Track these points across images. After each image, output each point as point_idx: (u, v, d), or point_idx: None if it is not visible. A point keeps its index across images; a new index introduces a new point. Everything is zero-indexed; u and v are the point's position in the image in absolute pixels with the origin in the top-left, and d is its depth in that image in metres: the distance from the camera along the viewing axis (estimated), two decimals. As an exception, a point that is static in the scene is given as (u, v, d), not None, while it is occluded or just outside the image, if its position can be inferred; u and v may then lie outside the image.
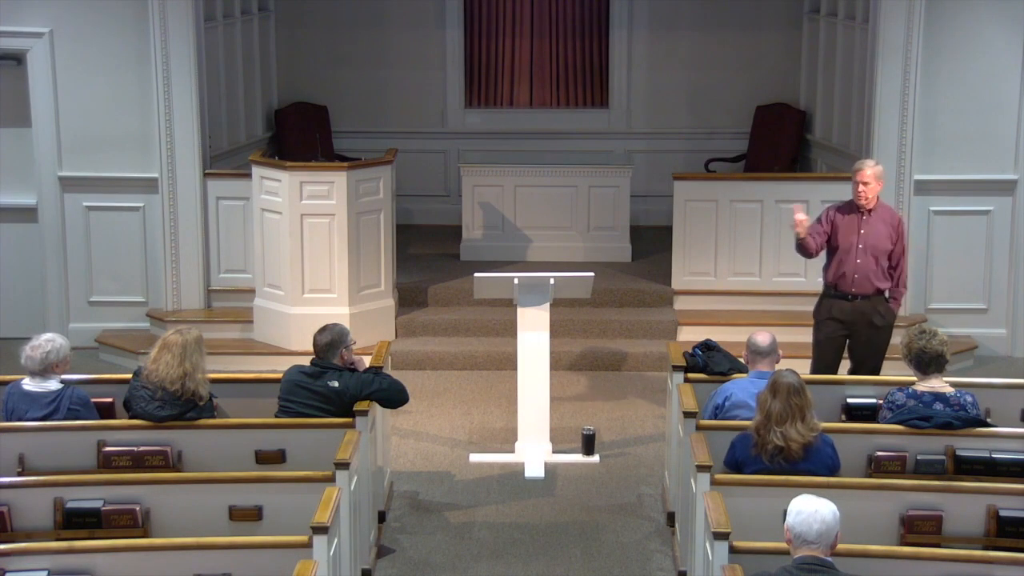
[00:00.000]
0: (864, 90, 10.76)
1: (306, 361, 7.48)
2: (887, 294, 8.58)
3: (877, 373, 8.50)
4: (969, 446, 6.76)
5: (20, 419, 6.97)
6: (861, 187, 8.44)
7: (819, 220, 8.62)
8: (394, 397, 7.50)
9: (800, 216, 8.43)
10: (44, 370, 7.04)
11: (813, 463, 6.33)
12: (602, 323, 10.64)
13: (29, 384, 7.05)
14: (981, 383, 7.58)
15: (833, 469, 6.42)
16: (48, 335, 7.17)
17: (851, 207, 8.54)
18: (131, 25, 10.37)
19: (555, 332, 9.04)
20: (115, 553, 5.73)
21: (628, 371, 10.32)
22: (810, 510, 5.18)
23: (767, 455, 6.31)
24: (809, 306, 10.69)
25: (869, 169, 8.47)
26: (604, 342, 10.52)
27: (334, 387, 7.26)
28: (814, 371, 8.59)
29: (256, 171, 10.36)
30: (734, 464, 6.51)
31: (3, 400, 7.09)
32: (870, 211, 8.48)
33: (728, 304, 10.79)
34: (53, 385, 7.05)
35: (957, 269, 10.69)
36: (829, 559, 5.15)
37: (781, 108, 12.50)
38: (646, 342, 10.51)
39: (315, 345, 7.44)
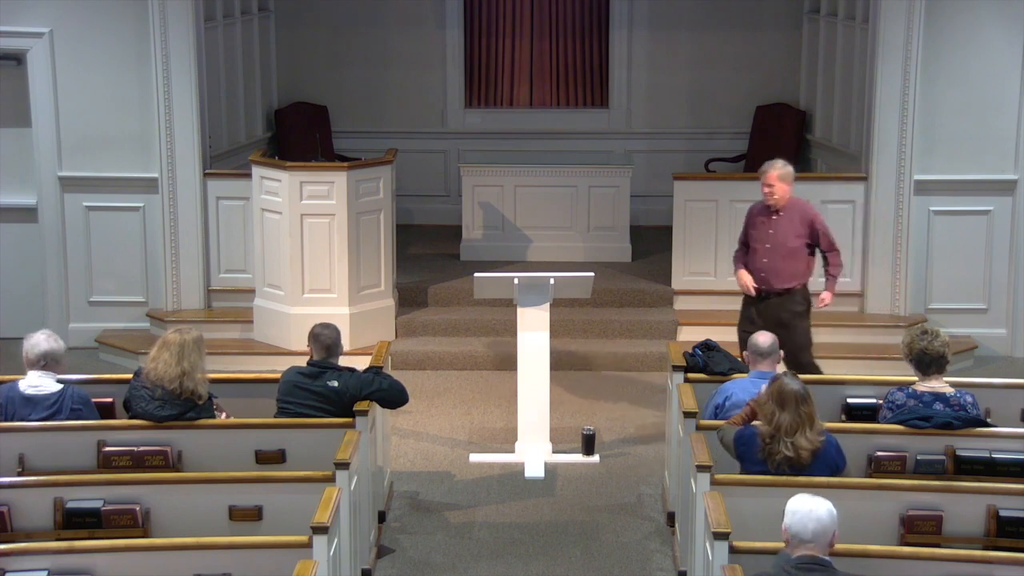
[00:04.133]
0: (864, 90, 10.76)
1: (306, 361, 7.47)
2: (797, 287, 8.73)
3: (809, 365, 8.61)
4: (969, 446, 6.76)
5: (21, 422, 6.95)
6: (766, 189, 8.67)
7: (744, 227, 8.93)
8: (394, 398, 7.50)
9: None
10: (45, 365, 7.03)
11: (818, 466, 6.31)
12: (602, 323, 10.64)
13: (29, 388, 7.03)
14: (981, 383, 7.58)
15: (836, 470, 6.39)
16: (44, 332, 7.16)
17: (766, 206, 8.76)
18: (131, 25, 10.37)
19: (555, 332, 9.04)
20: (115, 553, 5.73)
21: (628, 371, 10.32)
22: (805, 510, 5.19)
23: (774, 464, 6.28)
24: (809, 306, 10.76)
25: (774, 171, 8.66)
26: (604, 342, 10.51)
27: (333, 387, 7.26)
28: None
29: (256, 171, 10.36)
30: (739, 456, 6.47)
31: (2, 405, 7.05)
32: (779, 211, 8.67)
33: (728, 304, 10.72)
34: (53, 387, 7.04)
35: (957, 269, 10.69)
36: (827, 558, 5.16)
37: (781, 108, 12.49)
38: (646, 342, 10.51)
39: (315, 341, 7.41)
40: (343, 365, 7.45)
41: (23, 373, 7.14)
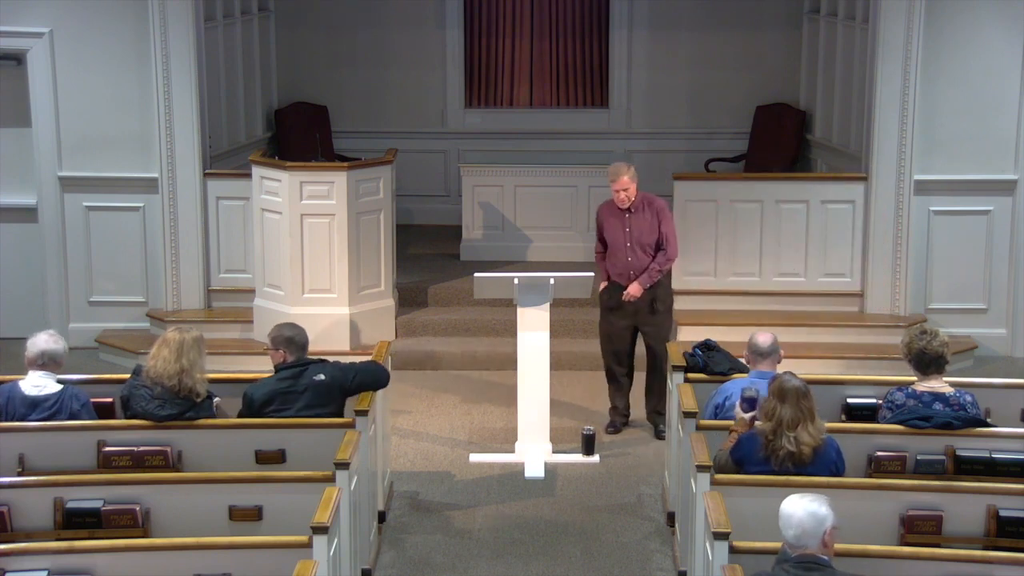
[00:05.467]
0: (864, 90, 10.76)
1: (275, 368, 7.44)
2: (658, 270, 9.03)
3: (664, 354, 8.67)
4: (969, 446, 6.76)
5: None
6: (622, 194, 8.97)
7: (598, 230, 9.22)
8: (377, 379, 7.50)
9: None
10: (43, 364, 7.03)
11: (819, 466, 6.32)
12: (602, 323, 10.63)
13: (32, 389, 7.02)
14: (981, 383, 7.58)
15: (836, 474, 6.39)
16: (47, 332, 7.17)
17: (615, 207, 9.06)
18: (131, 25, 10.37)
19: (555, 332, 9.04)
20: (115, 553, 5.73)
21: (628, 371, 10.31)
22: (788, 512, 5.20)
23: (777, 461, 6.29)
24: (809, 306, 10.81)
25: (627, 176, 8.99)
26: (604, 342, 10.50)
27: (321, 380, 7.26)
28: (605, 356, 9.24)
29: (256, 171, 10.36)
30: (738, 460, 6.49)
31: (1, 406, 7.03)
32: (630, 209, 8.98)
33: (728, 304, 10.78)
34: (54, 387, 7.05)
35: (957, 269, 10.69)
36: (825, 558, 5.16)
37: (781, 108, 12.49)
38: (646, 342, 10.50)
39: (290, 344, 7.41)
40: (313, 358, 7.46)
41: (23, 373, 7.14)
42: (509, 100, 13.12)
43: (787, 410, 6.28)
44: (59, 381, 7.10)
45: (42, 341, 7.08)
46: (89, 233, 10.64)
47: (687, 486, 6.99)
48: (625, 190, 8.96)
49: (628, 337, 9.17)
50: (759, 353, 7.28)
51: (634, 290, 9.01)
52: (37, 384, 7.04)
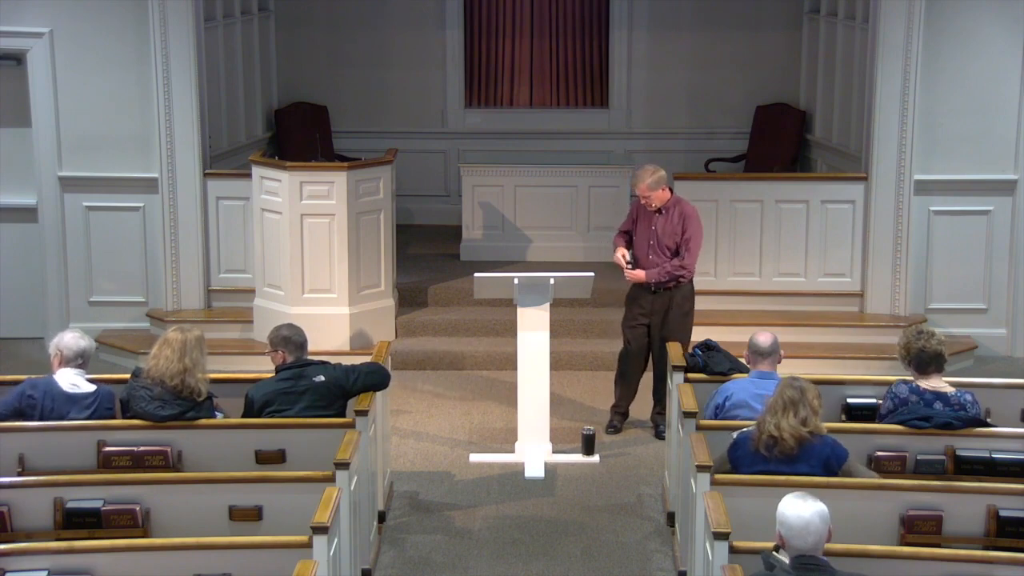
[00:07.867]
0: (864, 90, 10.76)
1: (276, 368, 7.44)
2: (683, 281, 9.02)
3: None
4: (969, 446, 6.77)
5: (61, 419, 6.95)
6: (643, 200, 8.94)
7: (628, 217, 9.25)
8: (379, 379, 7.50)
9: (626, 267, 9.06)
10: (81, 364, 7.06)
11: (809, 462, 6.32)
12: (602, 323, 10.64)
13: (70, 387, 7.03)
14: (981, 383, 7.57)
15: (833, 462, 6.39)
16: (76, 332, 7.20)
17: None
18: (131, 25, 10.37)
19: (555, 332, 9.04)
20: (115, 553, 5.73)
21: (628, 371, 10.31)
22: (802, 519, 5.16)
23: (763, 445, 6.32)
24: (809, 306, 10.81)
25: (643, 184, 8.89)
26: (604, 342, 10.51)
27: (321, 381, 7.26)
28: (623, 352, 9.19)
29: (256, 171, 10.36)
30: (732, 462, 6.51)
31: (37, 400, 7.00)
32: (661, 210, 8.94)
33: (728, 304, 10.78)
34: (88, 386, 7.08)
35: (957, 269, 10.69)
36: (824, 558, 5.15)
37: (781, 108, 12.50)
38: (646, 342, 10.50)
39: (287, 343, 7.41)
40: (314, 359, 7.46)
41: (23, 373, 7.15)
42: (509, 100, 13.13)
43: (771, 397, 6.42)
44: (90, 381, 7.12)
45: (79, 340, 7.11)
46: (89, 233, 10.64)
47: (687, 486, 6.99)
48: (646, 197, 8.91)
49: (643, 338, 9.11)
50: (759, 353, 7.28)
51: (637, 273, 8.98)
52: (74, 382, 7.07)
